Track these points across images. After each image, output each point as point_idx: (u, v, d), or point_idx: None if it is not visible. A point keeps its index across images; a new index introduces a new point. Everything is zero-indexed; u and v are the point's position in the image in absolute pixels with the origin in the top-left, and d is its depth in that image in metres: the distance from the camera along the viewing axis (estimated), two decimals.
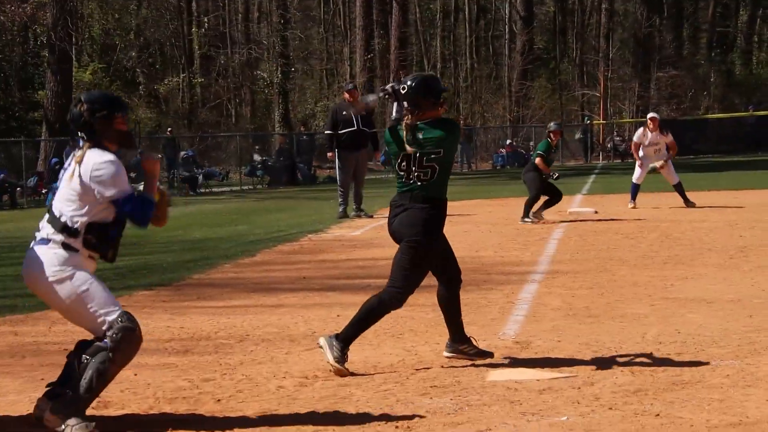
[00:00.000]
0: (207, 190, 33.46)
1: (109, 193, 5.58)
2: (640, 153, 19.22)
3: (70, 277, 5.58)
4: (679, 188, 18.96)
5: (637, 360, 6.94)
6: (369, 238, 15.27)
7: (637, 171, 19.25)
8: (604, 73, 51.98)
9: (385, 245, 14.26)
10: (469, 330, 8.11)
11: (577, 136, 48.58)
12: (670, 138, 19.12)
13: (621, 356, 7.07)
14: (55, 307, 5.78)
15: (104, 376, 5.52)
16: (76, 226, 5.60)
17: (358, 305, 6.95)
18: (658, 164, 18.95)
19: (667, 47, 56.90)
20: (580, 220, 17.13)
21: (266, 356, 7.44)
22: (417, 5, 56.98)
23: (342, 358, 6.73)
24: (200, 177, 33.92)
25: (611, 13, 57.48)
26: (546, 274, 11.32)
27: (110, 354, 5.50)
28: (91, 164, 5.60)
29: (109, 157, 5.64)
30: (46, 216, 5.71)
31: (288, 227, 17.61)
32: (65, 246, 5.59)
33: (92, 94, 5.85)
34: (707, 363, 6.76)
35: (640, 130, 19.48)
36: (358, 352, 7.25)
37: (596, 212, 18.18)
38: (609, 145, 48.42)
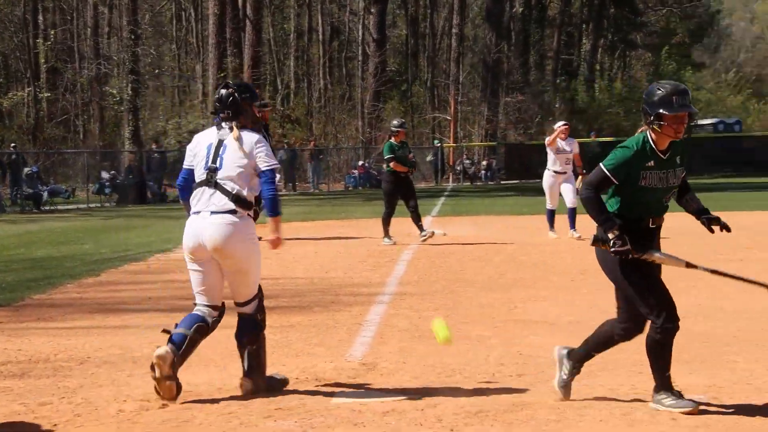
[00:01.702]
0: (52, 208, 32.65)
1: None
2: (551, 159, 17.62)
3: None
4: (572, 213, 17.51)
5: (480, 382, 7.04)
6: None
7: (548, 197, 17.69)
8: (455, 96, 52.84)
9: (287, 265, 14.19)
10: (315, 352, 8.14)
11: (429, 158, 49.22)
12: (577, 149, 17.87)
13: (465, 378, 7.16)
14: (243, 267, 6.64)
15: None
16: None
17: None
18: (578, 184, 17.39)
19: (514, 73, 58.19)
20: (429, 243, 17.32)
21: (107, 379, 7.29)
22: (271, 25, 56.94)
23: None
24: (45, 194, 33.06)
25: (461, 37, 58.48)
26: (394, 295, 11.40)
27: None
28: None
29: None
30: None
31: (136, 246, 17.33)
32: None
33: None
34: (546, 384, 6.90)
35: (551, 136, 18.10)
36: (203, 373, 7.17)
37: (445, 234, 18.37)
38: (459, 168, 49.18)
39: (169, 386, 6.42)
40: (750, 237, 16.91)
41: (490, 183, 48.96)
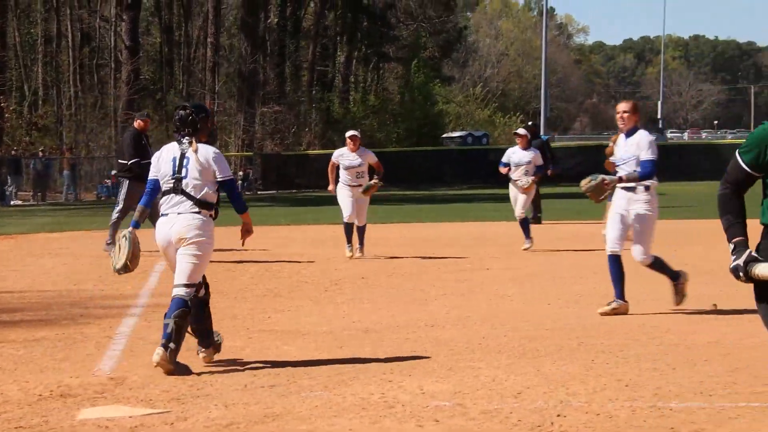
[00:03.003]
0: None
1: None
2: (342, 173, 16.13)
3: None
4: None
5: (233, 393, 7.03)
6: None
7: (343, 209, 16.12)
8: (211, 106, 52.49)
9: (35, 278, 13.67)
10: (61, 367, 7.91)
11: None
12: (372, 159, 16.26)
13: (216, 390, 7.13)
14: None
15: None
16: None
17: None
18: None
19: (270, 83, 58.32)
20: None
21: None
22: (17, 29, 54.93)
23: None
24: None
25: (217, 47, 58.15)
26: (146, 307, 11.23)
27: None
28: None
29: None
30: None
31: None
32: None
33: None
34: (298, 394, 6.96)
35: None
36: None
37: None
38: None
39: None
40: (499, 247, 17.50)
41: (247, 193, 48.86)
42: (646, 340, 8.81)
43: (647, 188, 10.50)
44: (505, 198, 18.03)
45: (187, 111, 7.99)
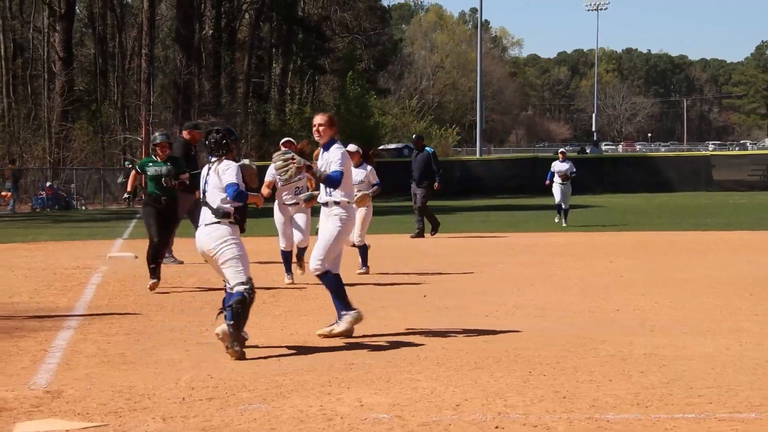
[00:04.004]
0: None
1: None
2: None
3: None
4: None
5: (171, 406, 6.99)
6: None
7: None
8: (146, 117, 52.07)
9: None
10: None
11: (120, 179, 48.18)
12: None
13: (154, 403, 7.09)
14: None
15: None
16: None
17: None
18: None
19: (206, 95, 58.06)
20: (119, 266, 16.98)
21: None
22: None
23: None
24: None
25: (151, 58, 57.77)
26: (82, 319, 11.12)
27: None
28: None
29: None
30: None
31: None
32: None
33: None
34: (236, 407, 6.94)
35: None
36: None
37: (136, 257, 18.00)
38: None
39: (232, 352, 8.66)
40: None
41: None
42: (583, 352, 8.90)
43: (337, 203, 10.01)
44: (441, 210, 18.09)
45: (221, 134, 9.15)
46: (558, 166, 26.60)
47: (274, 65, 69.33)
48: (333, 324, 9.90)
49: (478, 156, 62.72)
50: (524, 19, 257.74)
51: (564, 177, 26.10)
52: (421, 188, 23.55)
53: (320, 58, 68.45)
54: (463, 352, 8.96)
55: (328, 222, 10.03)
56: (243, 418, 6.64)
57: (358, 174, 15.21)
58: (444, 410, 6.85)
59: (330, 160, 10.06)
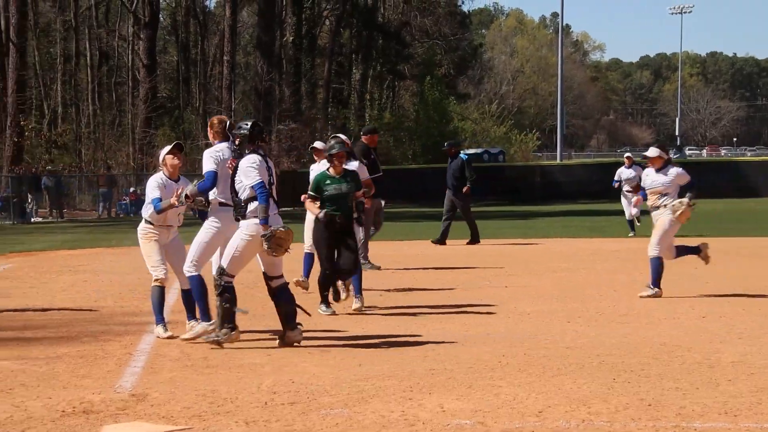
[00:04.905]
0: None
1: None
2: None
3: None
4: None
5: (254, 410, 7.02)
6: None
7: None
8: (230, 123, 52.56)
9: (55, 295, 13.70)
10: (83, 384, 7.92)
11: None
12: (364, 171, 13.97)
13: (236, 407, 7.12)
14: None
15: None
16: None
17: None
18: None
19: (286, 101, 58.47)
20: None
21: None
22: (36, 48, 55.26)
23: None
24: None
25: (233, 65, 58.34)
26: (166, 324, 11.20)
27: None
28: None
29: None
30: None
31: None
32: None
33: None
34: (318, 411, 6.95)
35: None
36: None
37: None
38: None
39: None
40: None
41: None
42: (668, 359, 8.77)
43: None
44: (521, 215, 17.99)
45: (257, 127, 9.60)
46: (625, 173, 23.94)
47: (354, 71, 69.59)
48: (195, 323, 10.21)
49: (558, 161, 62.30)
50: (607, 24, 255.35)
51: (636, 187, 22.08)
52: (457, 197, 22.91)
53: (400, 63, 68.55)
54: (545, 358, 8.87)
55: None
56: (325, 423, 6.64)
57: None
58: (527, 417, 6.79)
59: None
